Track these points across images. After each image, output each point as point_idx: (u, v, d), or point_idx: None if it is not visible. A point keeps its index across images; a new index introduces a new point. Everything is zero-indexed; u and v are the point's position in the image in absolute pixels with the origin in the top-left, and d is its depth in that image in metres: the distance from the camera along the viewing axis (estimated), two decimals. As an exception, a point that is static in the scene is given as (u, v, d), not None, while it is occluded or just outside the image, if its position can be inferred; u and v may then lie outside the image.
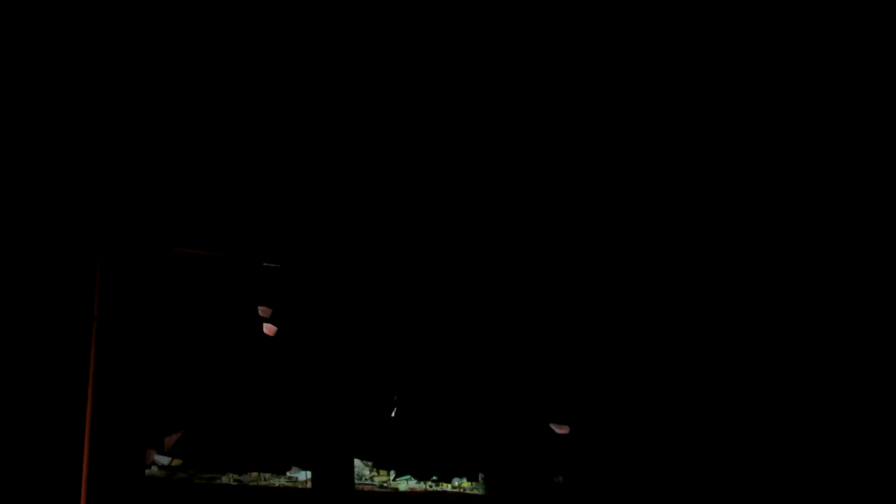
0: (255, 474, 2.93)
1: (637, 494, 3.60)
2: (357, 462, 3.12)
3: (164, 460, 2.81)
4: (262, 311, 3.14)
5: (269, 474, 2.95)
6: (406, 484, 3.17)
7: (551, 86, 3.38)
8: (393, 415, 3.24)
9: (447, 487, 3.23)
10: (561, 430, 3.47)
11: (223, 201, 3.12)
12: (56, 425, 2.64)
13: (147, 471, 2.78)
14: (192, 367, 2.97)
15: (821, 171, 4.03)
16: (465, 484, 3.28)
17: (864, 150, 3.91)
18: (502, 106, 3.46)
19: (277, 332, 3.14)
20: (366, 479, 3.10)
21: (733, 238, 4.12)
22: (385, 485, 3.13)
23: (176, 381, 2.93)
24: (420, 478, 3.20)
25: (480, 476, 3.31)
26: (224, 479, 2.87)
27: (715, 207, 4.06)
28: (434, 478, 3.22)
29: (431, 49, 3.17)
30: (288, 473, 2.99)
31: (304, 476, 3.02)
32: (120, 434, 2.72)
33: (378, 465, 3.15)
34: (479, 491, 3.27)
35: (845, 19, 3.13)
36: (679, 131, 3.70)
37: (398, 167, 3.44)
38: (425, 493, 3.14)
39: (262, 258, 3.14)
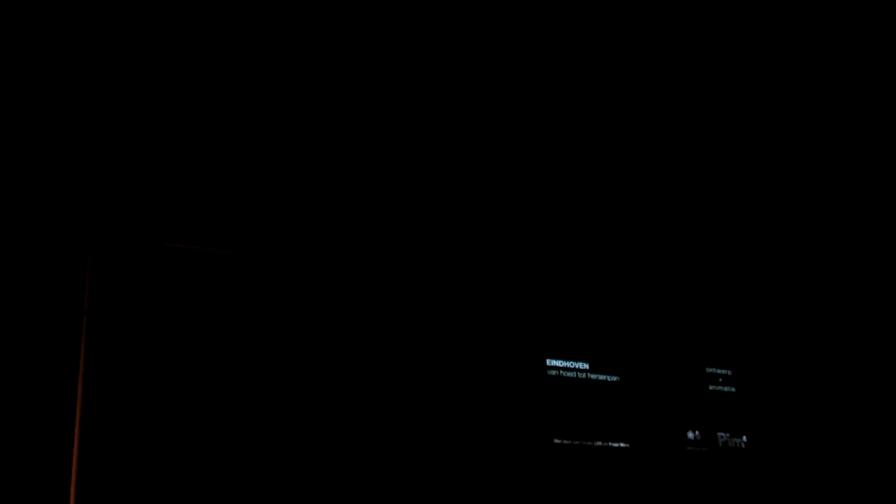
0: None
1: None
2: None
3: None
4: None
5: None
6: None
7: (548, 86, 3.39)
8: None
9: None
10: None
11: (214, 195, 3.10)
12: (45, 420, 2.61)
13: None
14: (185, 362, 2.94)
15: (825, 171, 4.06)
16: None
17: (864, 150, 3.96)
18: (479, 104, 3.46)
19: (271, 329, 3.13)
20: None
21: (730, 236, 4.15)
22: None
23: (168, 377, 2.90)
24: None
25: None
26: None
27: (712, 205, 4.08)
28: None
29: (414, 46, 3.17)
30: None
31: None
32: (110, 429, 2.69)
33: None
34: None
35: (845, 19, 3.16)
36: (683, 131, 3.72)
37: (390, 161, 3.43)
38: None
39: (255, 253, 3.13)
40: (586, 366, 3.69)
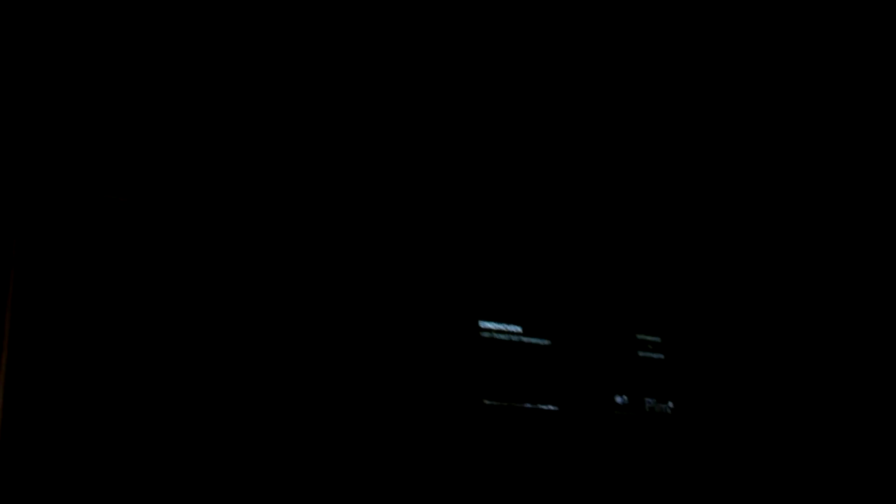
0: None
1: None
2: None
3: None
4: None
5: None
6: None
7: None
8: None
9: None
10: None
11: (154, 147, 2.98)
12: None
13: None
14: (120, 321, 2.84)
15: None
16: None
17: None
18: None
19: (214, 291, 3.03)
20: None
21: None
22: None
23: (101, 336, 2.80)
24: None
25: None
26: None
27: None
28: None
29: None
30: None
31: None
32: (36, 385, 2.59)
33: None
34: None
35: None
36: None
37: (326, 118, 3.35)
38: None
39: (191, 206, 3.02)
40: (519, 329, 3.69)
